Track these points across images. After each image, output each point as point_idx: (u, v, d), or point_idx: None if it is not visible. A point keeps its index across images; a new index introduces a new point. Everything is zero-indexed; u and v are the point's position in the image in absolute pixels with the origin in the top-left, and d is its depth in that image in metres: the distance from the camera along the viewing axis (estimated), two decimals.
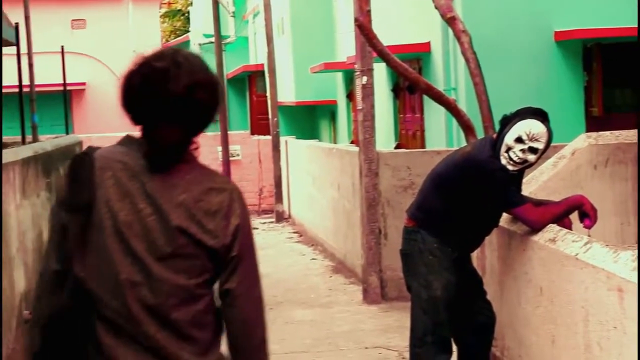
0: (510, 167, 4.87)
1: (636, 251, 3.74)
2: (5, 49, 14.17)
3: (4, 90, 19.67)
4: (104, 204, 2.61)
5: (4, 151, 7.10)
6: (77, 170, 2.68)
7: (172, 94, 2.57)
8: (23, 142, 13.60)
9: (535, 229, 4.90)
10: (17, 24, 12.62)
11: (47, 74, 19.98)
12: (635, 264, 3.63)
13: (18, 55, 12.57)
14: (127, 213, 2.61)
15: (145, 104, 2.62)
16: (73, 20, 25.00)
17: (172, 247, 2.61)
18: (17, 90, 12.80)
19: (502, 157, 4.87)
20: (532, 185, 6.03)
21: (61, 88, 18.18)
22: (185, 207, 2.63)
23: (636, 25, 7.21)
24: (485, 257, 5.81)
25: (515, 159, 4.84)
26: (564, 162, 6.15)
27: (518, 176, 5.05)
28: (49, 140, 9.61)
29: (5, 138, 18.16)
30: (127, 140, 2.72)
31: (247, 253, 2.72)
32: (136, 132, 2.70)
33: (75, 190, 2.67)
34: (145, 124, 2.65)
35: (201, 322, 2.66)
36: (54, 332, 2.64)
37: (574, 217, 5.02)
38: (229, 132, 18.76)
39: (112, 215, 2.61)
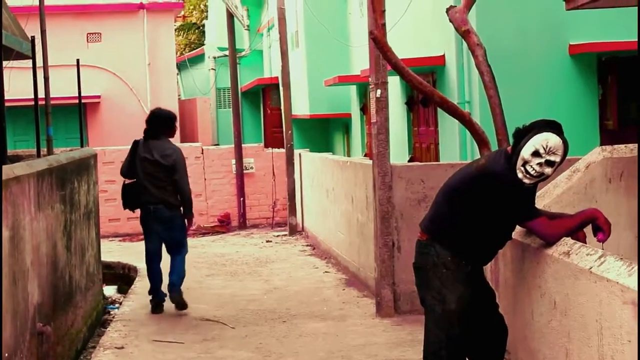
0: (526, 181, 4.86)
1: None
2: (21, 63, 14.26)
3: (20, 104, 19.73)
4: (141, 155, 9.66)
5: (19, 164, 7.13)
6: (133, 145, 9.80)
7: (157, 119, 9.81)
8: (38, 154, 13.64)
9: (549, 242, 4.89)
10: (33, 37, 12.69)
11: (62, 87, 20.01)
12: None
13: (34, 68, 12.63)
14: (145, 156, 9.64)
15: (150, 122, 9.83)
16: (89, 33, 25.08)
17: (156, 166, 9.60)
18: (32, 103, 12.86)
19: (518, 171, 4.86)
20: (546, 199, 6.02)
21: (76, 101, 18.22)
22: (159, 153, 9.60)
23: None
24: (498, 270, 5.79)
25: (532, 172, 4.83)
26: (578, 175, 6.14)
27: (532, 189, 5.04)
28: (63, 153, 9.65)
29: (20, 151, 18.25)
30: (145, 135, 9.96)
31: (179, 168, 9.59)
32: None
33: (132, 151, 9.79)
34: (150, 128, 9.80)
35: (171, 191, 9.63)
36: (128, 188, 9.90)
37: (588, 230, 5.00)
38: (243, 145, 18.79)
39: (141, 157, 9.65)
